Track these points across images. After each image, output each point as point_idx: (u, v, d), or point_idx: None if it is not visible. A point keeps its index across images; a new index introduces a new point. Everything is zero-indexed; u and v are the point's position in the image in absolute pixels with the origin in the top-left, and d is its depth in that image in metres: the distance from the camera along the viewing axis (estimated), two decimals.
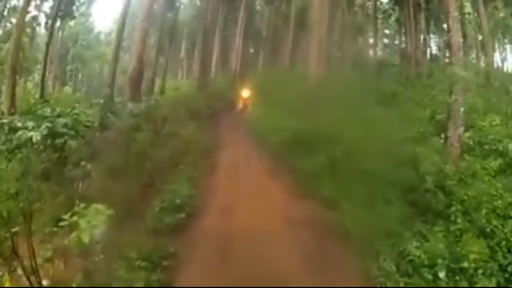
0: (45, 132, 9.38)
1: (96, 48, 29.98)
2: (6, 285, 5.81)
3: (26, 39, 20.16)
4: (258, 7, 33.48)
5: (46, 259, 6.59)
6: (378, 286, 6.58)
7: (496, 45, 28.75)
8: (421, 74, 21.87)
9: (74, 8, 23.56)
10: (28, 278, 5.88)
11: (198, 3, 32.10)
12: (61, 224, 5.20)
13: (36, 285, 5.93)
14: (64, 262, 6.73)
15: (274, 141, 12.74)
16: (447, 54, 30.04)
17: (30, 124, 9.91)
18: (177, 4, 27.38)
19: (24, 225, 6.15)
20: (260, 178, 10.87)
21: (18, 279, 5.97)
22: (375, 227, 7.47)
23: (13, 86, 14.87)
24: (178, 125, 14.01)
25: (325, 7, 17.38)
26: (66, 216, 5.13)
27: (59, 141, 9.87)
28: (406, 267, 6.82)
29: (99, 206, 5.21)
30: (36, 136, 8.90)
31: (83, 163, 8.47)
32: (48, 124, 9.78)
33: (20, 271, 5.93)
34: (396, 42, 33.67)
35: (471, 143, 10.80)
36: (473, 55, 27.43)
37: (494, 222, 7.50)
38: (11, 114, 13.31)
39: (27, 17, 20.15)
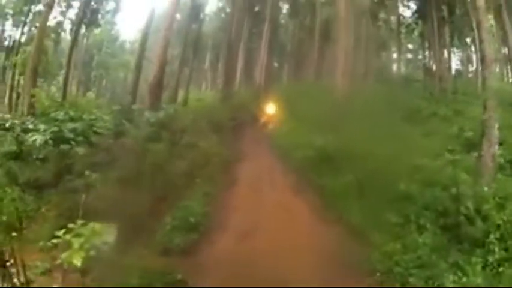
0: (49, 136, 8.69)
1: (121, 56, 30.28)
2: None
3: (50, 43, 20.32)
4: (283, 21, 33.33)
5: (42, 272, 6.31)
6: None
7: None
8: (445, 90, 21.20)
9: (100, 16, 23.87)
10: None
11: (223, 15, 32.25)
12: (53, 241, 4.83)
13: None
14: (62, 276, 6.06)
15: (298, 157, 12.04)
16: (470, 69, 29.33)
17: (42, 127, 9.40)
18: (202, 16, 27.64)
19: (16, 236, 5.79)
20: (283, 197, 10.16)
21: None
22: (407, 260, 6.74)
23: (33, 87, 14.62)
24: (198, 136, 13.37)
25: (350, 20, 16.95)
26: (60, 233, 4.73)
27: (64, 147, 9.18)
28: None
29: (97, 226, 4.65)
30: (39, 140, 8.26)
31: (87, 172, 7.75)
32: (54, 128, 9.16)
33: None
34: (419, 57, 33.32)
35: (502, 161, 10.13)
36: (497, 69, 26.24)
37: None
38: (31, 115, 13.01)
39: (53, 22, 20.58)
